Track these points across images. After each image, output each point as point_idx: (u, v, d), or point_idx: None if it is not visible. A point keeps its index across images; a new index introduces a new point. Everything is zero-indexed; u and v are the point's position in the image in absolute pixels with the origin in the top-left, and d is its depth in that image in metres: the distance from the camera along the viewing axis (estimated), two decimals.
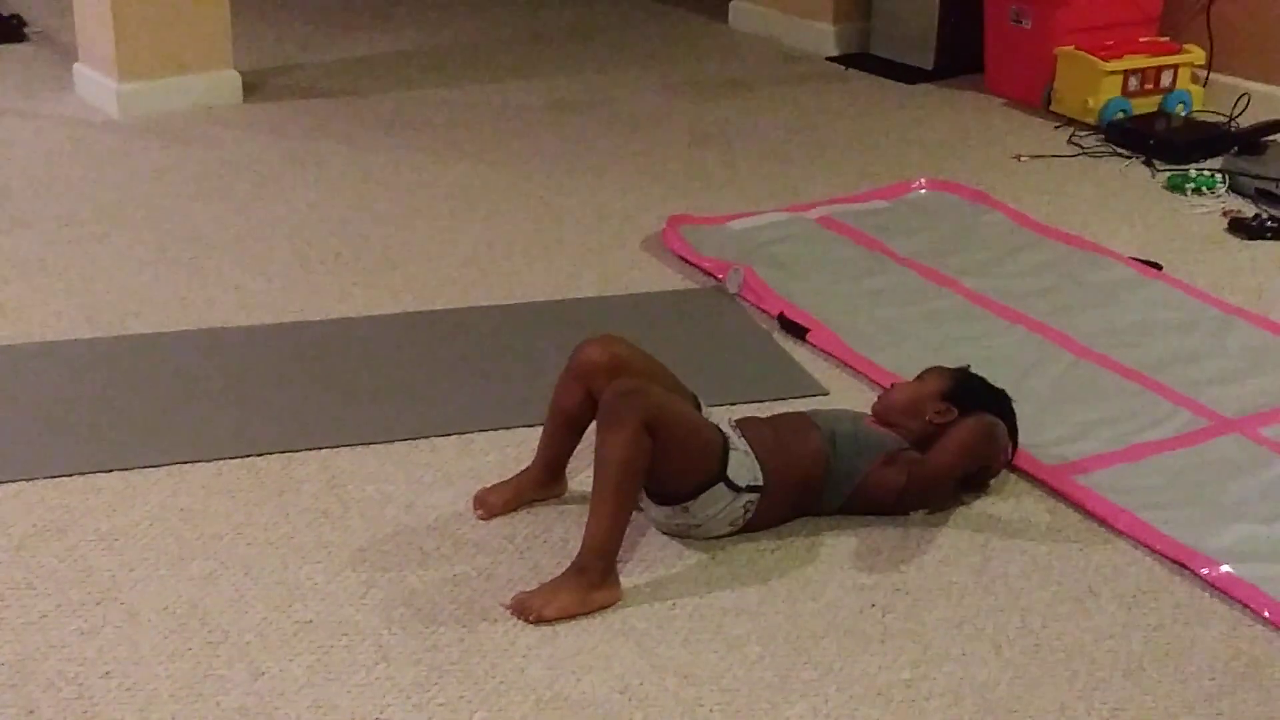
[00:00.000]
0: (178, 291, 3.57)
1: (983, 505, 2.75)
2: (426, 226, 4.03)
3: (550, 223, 4.09)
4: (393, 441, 2.90)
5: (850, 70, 5.68)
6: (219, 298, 3.53)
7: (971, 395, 2.77)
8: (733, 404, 2.92)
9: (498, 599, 2.40)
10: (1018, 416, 2.81)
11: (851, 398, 3.12)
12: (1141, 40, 5.17)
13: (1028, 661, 2.33)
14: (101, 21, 4.76)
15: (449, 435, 2.92)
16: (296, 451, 2.84)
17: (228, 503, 2.68)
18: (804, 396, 3.12)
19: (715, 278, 3.67)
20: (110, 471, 2.76)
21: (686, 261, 3.77)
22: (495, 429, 2.94)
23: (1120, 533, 2.67)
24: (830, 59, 5.81)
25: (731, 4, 6.31)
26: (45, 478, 2.72)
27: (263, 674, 2.23)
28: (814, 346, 3.34)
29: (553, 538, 2.57)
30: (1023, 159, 4.71)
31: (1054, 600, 2.48)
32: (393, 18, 6.30)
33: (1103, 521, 2.70)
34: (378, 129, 4.85)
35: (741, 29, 6.24)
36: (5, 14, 5.87)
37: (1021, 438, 2.81)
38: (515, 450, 2.84)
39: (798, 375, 3.22)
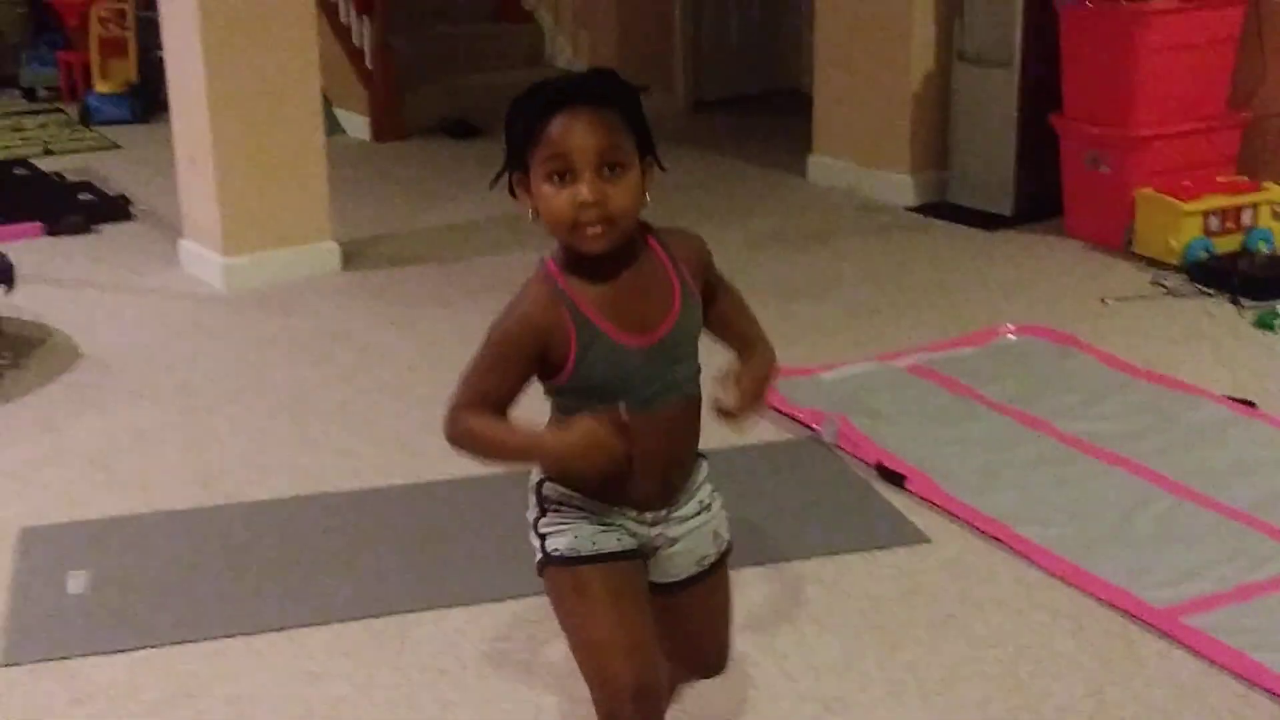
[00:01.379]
0: (290, 458, 3.68)
1: (1094, 649, 2.75)
2: None
3: None
4: (503, 600, 2.96)
5: (930, 219, 5.77)
6: (329, 463, 3.64)
7: None
8: (834, 554, 2.95)
9: None
10: (1122, 560, 2.77)
11: (956, 544, 3.15)
12: (1220, 180, 5.22)
13: None
14: (206, 199, 4.96)
15: None
16: (412, 612, 2.91)
17: (348, 664, 2.74)
18: (907, 545, 3.15)
19: (811, 428, 3.72)
20: (233, 636, 2.83)
21: (780, 413, 3.82)
22: None
23: (1235, 674, 2.66)
24: (909, 209, 5.92)
25: (810, 158, 6.47)
26: (172, 644, 2.81)
27: None
28: (913, 494, 3.38)
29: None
30: (1108, 302, 4.75)
31: None
32: (481, 185, 6.48)
33: (1216, 664, 2.69)
34: (472, 292, 4.98)
35: (820, 182, 6.37)
36: (112, 194, 6.14)
37: (1127, 580, 2.80)
38: None
39: (899, 524, 3.26)
